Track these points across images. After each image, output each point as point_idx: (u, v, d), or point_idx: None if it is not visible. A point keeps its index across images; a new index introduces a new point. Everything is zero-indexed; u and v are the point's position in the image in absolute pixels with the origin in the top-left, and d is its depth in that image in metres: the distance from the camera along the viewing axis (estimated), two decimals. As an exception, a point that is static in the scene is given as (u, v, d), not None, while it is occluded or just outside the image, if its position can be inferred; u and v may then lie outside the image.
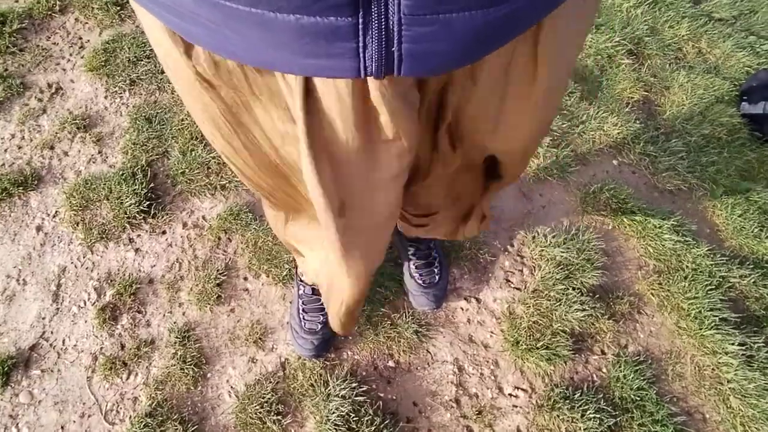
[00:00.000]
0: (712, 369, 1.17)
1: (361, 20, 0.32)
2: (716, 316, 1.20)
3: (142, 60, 1.50)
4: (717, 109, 1.54)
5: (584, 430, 1.07)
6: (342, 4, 0.31)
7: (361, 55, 0.34)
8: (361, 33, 0.33)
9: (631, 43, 1.64)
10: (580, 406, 1.09)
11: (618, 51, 1.63)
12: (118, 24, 1.58)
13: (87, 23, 1.58)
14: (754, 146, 1.49)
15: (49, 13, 1.59)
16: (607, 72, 1.60)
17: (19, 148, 1.37)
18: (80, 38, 1.56)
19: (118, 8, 1.60)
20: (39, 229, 1.27)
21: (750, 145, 1.49)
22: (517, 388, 1.13)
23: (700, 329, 1.19)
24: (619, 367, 1.15)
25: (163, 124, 1.40)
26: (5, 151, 1.36)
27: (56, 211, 1.29)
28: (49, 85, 1.46)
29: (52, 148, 1.37)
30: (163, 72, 1.49)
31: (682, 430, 1.10)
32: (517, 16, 0.36)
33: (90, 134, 1.39)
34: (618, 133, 1.47)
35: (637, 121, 1.50)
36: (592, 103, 1.52)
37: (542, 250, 1.28)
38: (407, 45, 0.34)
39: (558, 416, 1.09)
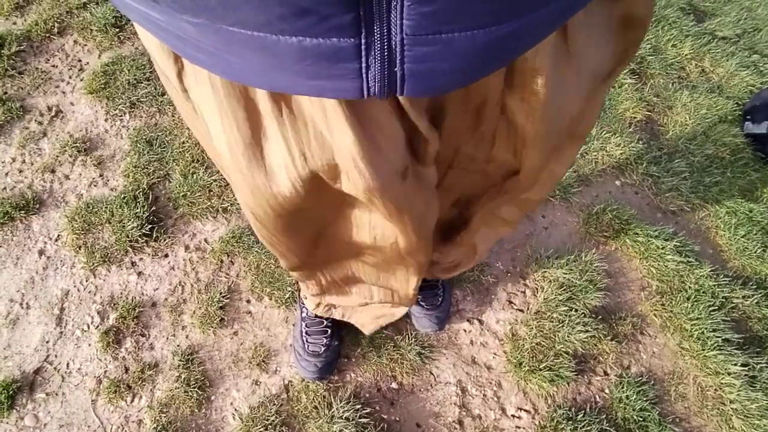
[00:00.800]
0: (715, 389, 1.31)
1: (363, 41, 0.35)
2: (719, 336, 1.34)
3: (142, 82, 1.67)
4: (720, 128, 1.71)
5: (587, 450, 1.20)
6: (344, 25, 0.34)
7: (364, 75, 0.38)
8: (363, 53, 0.36)
9: (633, 63, 1.82)
10: (583, 427, 1.23)
11: (621, 70, 1.80)
12: (117, 46, 1.76)
13: (86, 45, 1.76)
14: (757, 166, 1.66)
15: (48, 35, 1.76)
16: (610, 92, 1.77)
17: (20, 171, 1.52)
18: (79, 60, 1.73)
19: (117, 30, 1.78)
20: (41, 252, 1.41)
21: (753, 165, 1.66)
22: (520, 410, 1.27)
23: (703, 350, 1.33)
24: (622, 387, 1.29)
25: (164, 147, 1.56)
26: (6, 174, 1.51)
27: (58, 235, 1.44)
28: (49, 108, 1.63)
29: (53, 171, 1.53)
30: (163, 94, 1.66)
31: (685, 450, 1.24)
32: (519, 35, 0.39)
33: (91, 157, 1.55)
34: (621, 153, 1.64)
35: (640, 142, 1.67)
36: (595, 124, 1.68)
37: (545, 272, 1.43)
38: (410, 65, 0.38)
39: (561, 437, 1.22)
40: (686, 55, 1.88)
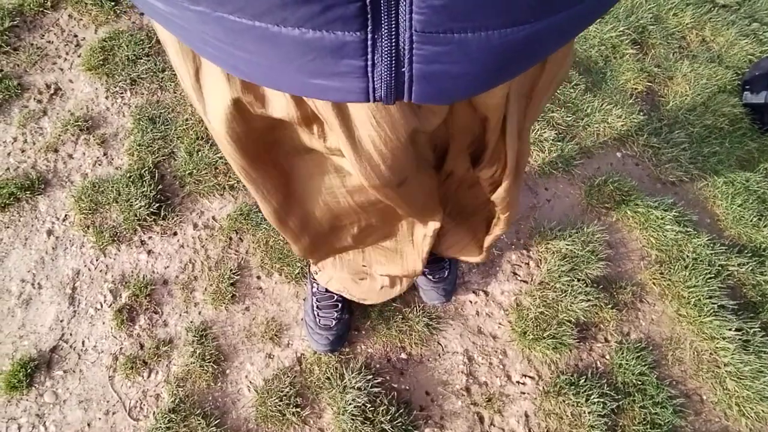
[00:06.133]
0: (710, 353, 1.37)
1: (369, 35, 0.33)
2: (715, 303, 1.39)
3: (141, 58, 1.65)
4: (719, 99, 1.72)
5: (588, 413, 1.26)
6: (349, 16, 0.32)
7: (370, 74, 0.36)
8: (369, 49, 0.34)
9: (635, 33, 1.82)
10: (585, 391, 1.28)
11: (622, 41, 1.80)
12: (114, 20, 1.72)
13: (81, 20, 1.72)
14: (754, 136, 1.68)
15: (41, 9, 1.72)
16: (611, 63, 1.77)
17: (23, 151, 1.51)
18: (75, 36, 1.70)
19: (113, 3, 1.74)
20: (50, 233, 1.42)
21: (751, 135, 1.68)
22: (525, 376, 1.32)
23: (700, 316, 1.38)
24: (622, 353, 1.34)
25: (167, 124, 1.56)
26: (8, 155, 1.50)
27: (66, 215, 1.44)
28: (48, 86, 1.61)
29: (56, 150, 1.52)
30: (163, 70, 1.64)
31: (681, 411, 1.30)
32: (538, 39, 0.36)
33: (93, 136, 1.54)
34: (622, 125, 1.66)
35: (641, 113, 1.68)
36: (597, 96, 1.69)
37: (548, 243, 1.46)
38: (418, 65, 0.35)
39: (564, 401, 1.28)
40: (687, 24, 1.88)
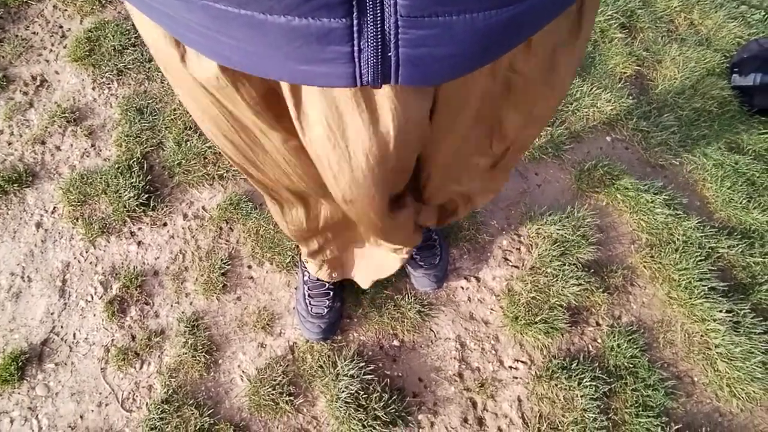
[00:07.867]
0: (701, 335, 1.35)
1: (355, 21, 0.33)
2: (705, 285, 1.38)
3: (128, 48, 1.61)
4: (708, 81, 1.70)
5: (581, 397, 1.24)
6: (335, 3, 0.32)
7: (356, 59, 0.35)
8: (355, 35, 0.34)
9: (623, 17, 1.79)
10: (577, 375, 1.26)
11: (611, 25, 1.77)
12: (99, 11, 1.68)
13: (66, 10, 1.68)
14: (743, 118, 1.66)
15: (25, 0, 1.67)
16: (600, 47, 1.75)
17: (9, 144, 1.47)
18: (61, 27, 1.65)
19: (98, -7, 1.69)
20: (38, 225, 1.39)
21: (739, 118, 1.66)
22: (517, 361, 1.30)
23: (690, 298, 1.37)
24: (614, 337, 1.33)
25: (155, 115, 1.52)
26: (-5, 147, 1.47)
27: (54, 207, 1.41)
28: (34, 78, 1.56)
29: (43, 143, 1.48)
30: (150, 60, 1.60)
31: (673, 393, 1.29)
32: (521, 20, 0.37)
33: (81, 127, 1.50)
34: (611, 109, 1.63)
35: (630, 97, 1.66)
36: (585, 80, 1.67)
37: (539, 228, 1.44)
38: (404, 49, 0.35)
39: (556, 385, 1.26)
40: (675, 7, 1.85)
